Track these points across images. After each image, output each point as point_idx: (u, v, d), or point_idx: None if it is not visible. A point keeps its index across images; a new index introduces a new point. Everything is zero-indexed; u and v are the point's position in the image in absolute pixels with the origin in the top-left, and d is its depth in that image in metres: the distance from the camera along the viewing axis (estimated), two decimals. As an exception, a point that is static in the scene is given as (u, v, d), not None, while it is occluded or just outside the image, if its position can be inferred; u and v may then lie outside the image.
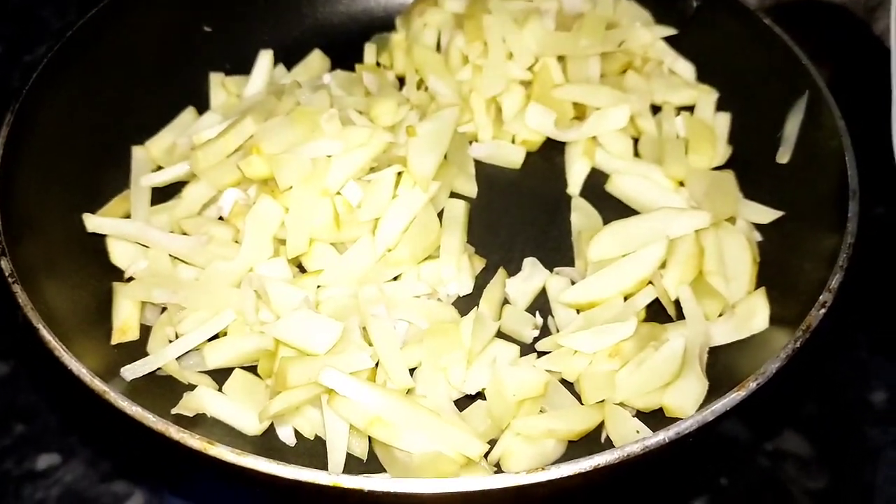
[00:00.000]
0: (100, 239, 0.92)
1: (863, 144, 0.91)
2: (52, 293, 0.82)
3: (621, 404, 0.81)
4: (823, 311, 0.76)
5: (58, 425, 0.99)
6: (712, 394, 0.80)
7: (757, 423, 0.98)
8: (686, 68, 1.09)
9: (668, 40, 1.11)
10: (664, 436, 0.67)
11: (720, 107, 1.07)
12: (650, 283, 0.89)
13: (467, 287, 0.92)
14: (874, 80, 1.22)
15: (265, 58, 1.09)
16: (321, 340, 0.80)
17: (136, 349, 0.86)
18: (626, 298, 0.88)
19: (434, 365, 0.81)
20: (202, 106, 1.07)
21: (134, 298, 0.87)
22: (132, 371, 0.81)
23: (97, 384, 0.70)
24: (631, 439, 0.77)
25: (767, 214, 0.95)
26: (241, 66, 1.10)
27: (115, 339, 0.85)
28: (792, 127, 0.98)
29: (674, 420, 0.76)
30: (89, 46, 0.99)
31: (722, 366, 0.85)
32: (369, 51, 1.14)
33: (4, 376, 1.03)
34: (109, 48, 1.01)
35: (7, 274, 0.76)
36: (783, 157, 0.98)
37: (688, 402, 0.78)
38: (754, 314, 0.86)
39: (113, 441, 0.97)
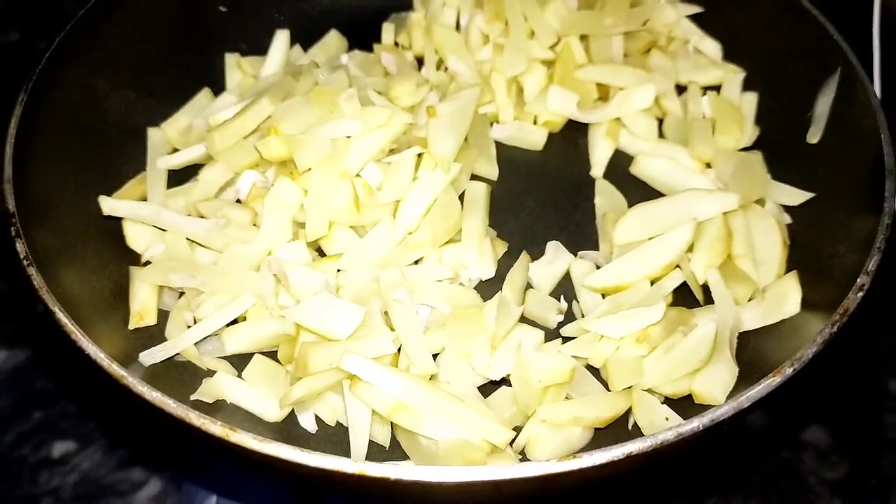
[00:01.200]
0: (115, 222, 0.90)
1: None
2: (67, 277, 0.81)
3: (649, 390, 0.79)
4: (861, 294, 0.74)
5: (75, 412, 0.98)
6: (742, 380, 0.78)
7: (777, 413, 0.96)
8: (712, 47, 1.06)
9: (694, 18, 1.08)
10: (699, 423, 0.65)
11: (747, 86, 1.04)
12: (677, 266, 0.87)
13: (489, 271, 0.90)
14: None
15: (281, 38, 1.07)
16: (343, 325, 0.78)
17: (154, 334, 0.84)
18: (652, 283, 0.86)
19: (458, 350, 0.79)
20: (218, 87, 1.05)
21: (151, 282, 0.85)
22: (150, 356, 0.80)
23: (115, 369, 0.68)
24: (659, 426, 0.75)
25: (797, 196, 0.93)
26: (257, 47, 1.08)
27: (133, 323, 0.84)
28: (823, 105, 0.95)
29: (703, 407, 0.75)
30: (102, 26, 0.97)
31: (751, 351, 0.83)
32: (387, 30, 1.12)
33: (23, 363, 1.02)
34: (123, 28, 0.99)
35: (22, 257, 0.75)
36: (814, 136, 0.95)
37: (718, 388, 0.76)
38: (785, 298, 0.84)
39: (130, 428, 0.96)
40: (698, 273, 0.86)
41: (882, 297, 0.96)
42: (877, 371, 1.00)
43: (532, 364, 0.78)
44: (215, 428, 0.64)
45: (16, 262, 0.76)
